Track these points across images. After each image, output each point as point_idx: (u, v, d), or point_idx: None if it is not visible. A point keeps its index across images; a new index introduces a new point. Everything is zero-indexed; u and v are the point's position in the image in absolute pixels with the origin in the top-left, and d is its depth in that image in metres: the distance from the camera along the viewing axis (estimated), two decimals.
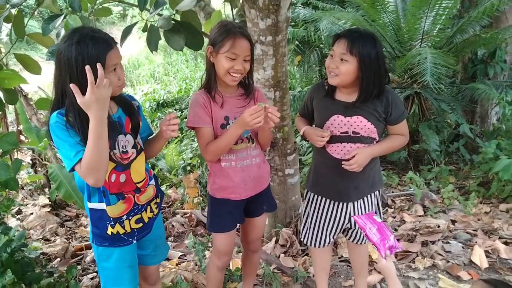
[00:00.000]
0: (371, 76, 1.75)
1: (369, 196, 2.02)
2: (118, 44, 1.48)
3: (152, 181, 1.73)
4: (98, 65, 1.30)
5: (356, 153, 1.82)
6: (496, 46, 4.95)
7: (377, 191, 2.06)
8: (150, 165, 1.73)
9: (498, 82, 5.10)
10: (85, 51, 1.34)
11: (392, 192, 4.26)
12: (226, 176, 1.84)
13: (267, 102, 1.96)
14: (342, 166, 1.85)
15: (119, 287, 1.68)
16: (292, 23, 6.57)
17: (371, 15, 5.11)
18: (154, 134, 1.79)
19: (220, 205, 1.90)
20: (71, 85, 1.30)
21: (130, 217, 1.61)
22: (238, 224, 2.00)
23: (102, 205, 1.56)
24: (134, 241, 1.66)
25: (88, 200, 1.58)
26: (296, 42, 6.49)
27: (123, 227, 1.60)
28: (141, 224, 1.66)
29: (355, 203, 2.00)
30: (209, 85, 1.82)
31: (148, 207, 1.69)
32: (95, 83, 1.29)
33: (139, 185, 1.63)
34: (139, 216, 1.64)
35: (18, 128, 4.85)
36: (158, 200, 1.76)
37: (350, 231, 2.11)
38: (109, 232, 1.58)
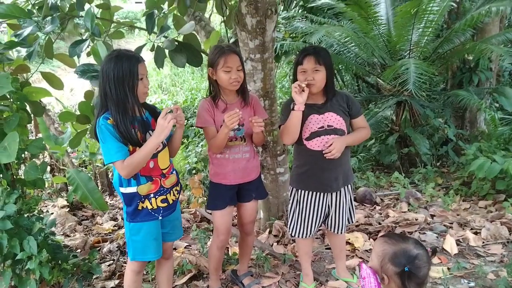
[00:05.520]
0: (332, 78, 2.27)
1: (344, 188, 2.40)
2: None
3: (174, 172, 2.15)
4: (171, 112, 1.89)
5: (333, 141, 2.23)
6: (479, 56, 5.29)
7: (350, 186, 2.44)
8: None
9: (481, 89, 5.43)
10: (120, 64, 1.82)
11: (383, 192, 4.61)
12: (220, 165, 2.31)
13: (261, 106, 2.44)
14: (324, 155, 2.23)
15: (146, 256, 2.06)
16: (292, 35, 6.93)
17: (363, 28, 5.45)
18: None
19: (215, 187, 2.36)
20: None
21: (157, 196, 2.01)
22: (233, 206, 2.42)
23: (132, 189, 1.96)
24: (160, 217, 2.04)
25: (120, 186, 1.98)
26: (297, 52, 6.68)
27: (151, 203, 2.00)
28: (166, 204, 2.06)
29: (333, 194, 2.38)
30: (214, 95, 2.30)
31: (171, 191, 2.10)
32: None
33: (164, 171, 2.04)
34: (164, 196, 2.04)
35: (37, 136, 5.28)
36: (178, 188, 2.18)
37: (328, 220, 2.47)
38: (140, 207, 1.98)
